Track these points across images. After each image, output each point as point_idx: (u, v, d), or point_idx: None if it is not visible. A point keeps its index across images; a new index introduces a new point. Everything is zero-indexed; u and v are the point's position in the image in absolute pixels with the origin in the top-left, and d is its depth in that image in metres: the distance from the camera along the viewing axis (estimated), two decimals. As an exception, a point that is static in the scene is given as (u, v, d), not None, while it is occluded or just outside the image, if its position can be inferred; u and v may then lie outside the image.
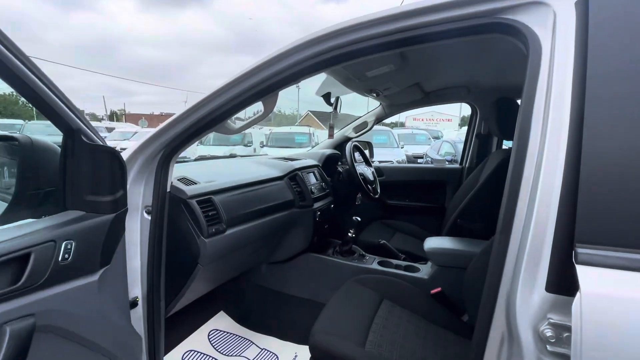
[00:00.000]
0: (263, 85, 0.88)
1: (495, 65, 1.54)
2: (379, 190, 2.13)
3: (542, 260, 0.56)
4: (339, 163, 2.35)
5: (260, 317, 1.68)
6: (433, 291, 1.40)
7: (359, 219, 1.67)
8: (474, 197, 1.61)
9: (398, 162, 7.60)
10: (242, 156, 2.07)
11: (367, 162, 2.25)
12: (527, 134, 0.62)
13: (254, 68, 0.88)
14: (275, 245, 1.56)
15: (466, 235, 1.57)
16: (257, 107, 1.01)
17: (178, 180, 1.14)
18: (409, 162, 8.16)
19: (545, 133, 0.60)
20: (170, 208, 1.05)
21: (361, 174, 2.00)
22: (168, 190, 1.05)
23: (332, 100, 1.62)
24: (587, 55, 0.58)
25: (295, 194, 1.54)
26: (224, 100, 0.91)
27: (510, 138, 1.74)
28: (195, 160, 1.77)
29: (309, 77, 0.90)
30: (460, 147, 7.70)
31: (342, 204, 2.24)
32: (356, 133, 2.34)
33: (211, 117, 0.94)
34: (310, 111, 31.65)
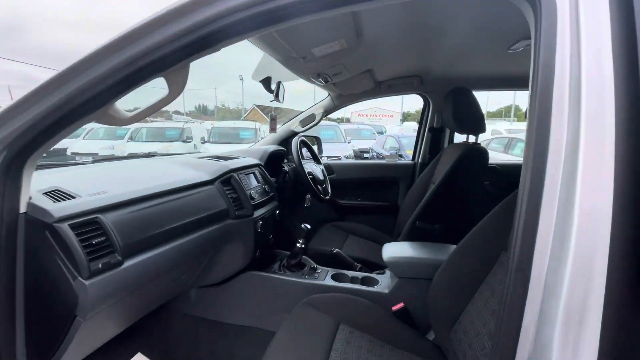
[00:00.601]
0: (161, 51, 0.59)
1: (450, 53, 1.41)
2: (330, 190, 1.91)
3: (590, 314, 0.37)
4: (285, 161, 2.09)
5: (191, 355, 1.36)
6: (395, 308, 1.23)
7: (308, 226, 1.43)
8: (432, 198, 1.47)
9: (346, 157, 7.57)
10: (162, 155, 1.68)
11: (316, 159, 2.02)
12: (546, 132, 0.43)
13: (148, 23, 0.58)
14: (207, 266, 1.25)
15: (426, 239, 1.43)
16: (158, 87, 0.70)
17: (44, 194, 0.78)
18: (355, 157, 8.20)
19: (576, 129, 0.41)
20: (28, 237, 0.70)
21: (310, 173, 1.76)
22: (22, 211, 0.70)
23: (273, 86, 1.35)
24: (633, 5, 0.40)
25: (229, 201, 1.24)
26: (101, 73, 0.60)
27: (467, 131, 1.66)
28: (95, 162, 1.35)
29: (231, 43, 0.62)
30: (404, 141, 7.97)
31: (288, 208, 1.98)
32: (303, 127, 2.09)
33: (82, 99, 0.61)
34: (257, 105, 30.61)
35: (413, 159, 2.22)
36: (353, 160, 2.29)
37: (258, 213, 1.38)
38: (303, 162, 1.73)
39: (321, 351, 0.94)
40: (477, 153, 1.45)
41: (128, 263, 0.80)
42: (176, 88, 0.68)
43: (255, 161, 1.60)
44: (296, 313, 1.09)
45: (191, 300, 1.43)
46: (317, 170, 1.86)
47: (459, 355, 0.87)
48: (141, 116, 0.71)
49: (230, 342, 1.36)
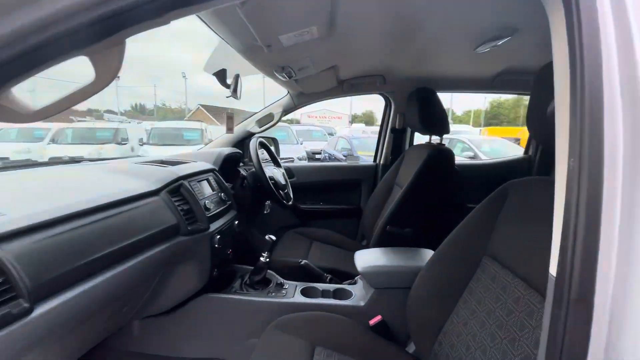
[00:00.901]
0: (83, 16, 0.42)
1: (416, 52, 1.37)
2: (292, 196, 1.78)
3: None
4: (241, 164, 1.90)
5: None
6: (372, 322, 1.14)
7: (273, 237, 1.28)
8: (401, 202, 1.42)
9: (299, 158, 7.46)
10: (92, 160, 1.40)
11: (276, 162, 1.87)
12: (599, 138, 0.36)
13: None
14: (153, 292, 1.04)
15: (396, 243, 1.37)
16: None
17: None
18: (308, 158, 8.15)
19: (634, 131, 0.34)
20: None
21: (271, 178, 1.61)
22: None
23: (229, 80, 1.18)
24: None
25: (180, 214, 1.04)
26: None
27: (432, 132, 1.65)
28: (3, 169, 1.05)
29: (184, 14, 0.47)
30: (355, 142, 8.10)
31: (247, 217, 1.81)
32: (260, 127, 1.92)
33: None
34: (202, 105, 29.00)
35: (375, 160, 2.19)
36: (314, 163, 2.19)
37: (215, 226, 1.19)
38: (263, 165, 1.57)
39: None
40: (444, 155, 1.43)
41: (40, 310, 0.59)
42: (106, 73, 0.50)
43: (208, 166, 1.41)
44: (265, 339, 0.94)
45: (134, 335, 1.19)
46: (278, 174, 1.71)
47: None
48: (54, 110, 0.51)
49: None
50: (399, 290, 1.15)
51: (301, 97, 1.85)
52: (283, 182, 1.72)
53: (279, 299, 1.20)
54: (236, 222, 1.40)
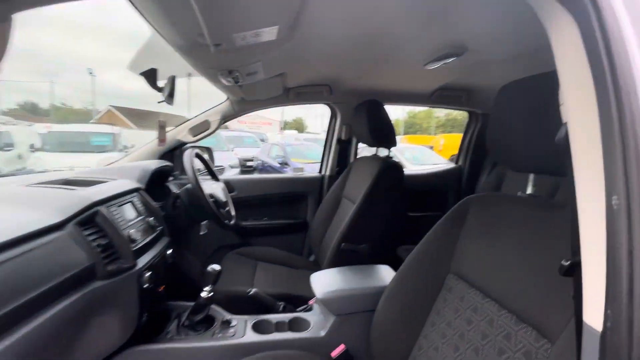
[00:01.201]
0: None
1: (365, 65, 1.34)
2: (233, 213, 1.59)
3: None
4: (171, 179, 1.65)
5: None
6: (335, 353, 1.04)
7: (217, 268, 1.10)
8: (355, 218, 1.37)
9: (230, 166, 7.09)
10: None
11: (214, 176, 1.66)
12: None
13: None
14: (61, 356, 0.78)
15: (352, 260, 1.31)
16: None
17: None
18: (240, 165, 7.80)
19: None
20: None
21: (210, 195, 1.41)
22: None
23: (162, 82, 0.96)
24: None
25: (96, 252, 0.80)
26: None
27: (380, 144, 1.64)
28: None
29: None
30: (289, 149, 8.06)
31: (181, 242, 1.57)
32: (194, 136, 1.69)
33: None
34: (114, 106, 25.61)
35: (320, 171, 2.12)
36: (255, 175, 2.03)
37: (143, 261, 0.96)
38: (200, 180, 1.36)
39: None
40: (395, 169, 1.43)
41: None
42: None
43: (132, 184, 1.15)
44: None
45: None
46: (217, 189, 1.51)
47: None
48: None
49: None
50: (362, 314, 1.08)
51: (243, 104, 1.69)
52: (224, 198, 1.52)
53: (227, 341, 1.02)
54: (169, 252, 1.17)
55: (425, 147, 11.06)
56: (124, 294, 0.88)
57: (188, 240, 1.70)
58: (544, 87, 0.70)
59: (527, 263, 0.68)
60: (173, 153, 1.80)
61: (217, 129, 1.69)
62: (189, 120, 1.72)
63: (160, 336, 1.03)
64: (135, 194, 1.14)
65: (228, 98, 1.65)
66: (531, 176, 0.85)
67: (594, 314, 0.35)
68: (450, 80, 1.62)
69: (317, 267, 1.72)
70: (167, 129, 1.57)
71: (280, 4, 0.60)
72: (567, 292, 0.59)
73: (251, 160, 9.49)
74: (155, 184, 1.37)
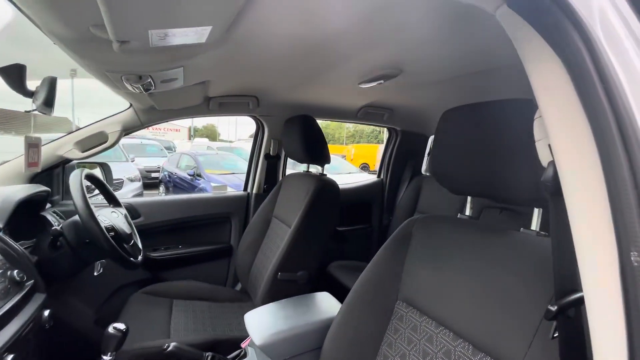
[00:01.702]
0: None
1: (297, 77, 1.26)
2: (141, 246, 1.30)
3: None
4: (48, 206, 1.27)
5: None
6: (281, 406, 0.91)
7: (122, 327, 0.84)
8: (291, 244, 1.26)
9: (130, 179, 6.17)
10: None
11: (113, 200, 1.33)
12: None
13: None
14: None
15: (290, 290, 1.20)
16: None
17: None
18: (143, 177, 6.88)
19: None
20: None
21: (110, 228, 1.11)
22: None
23: (34, 84, 0.68)
24: None
25: None
26: None
27: (313, 161, 1.55)
28: None
29: None
30: (201, 159, 7.48)
31: (66, 288, 1.21)
32: (84, 152, 1.34)
33: None
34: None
35: (245, 189, 1.93)
36: (167, 197, 1.73)
37: (1, 340, 0.66)
38: (94, 210, 1.06)
39: None
40: (331, 187, 1.37)
41: None
42: None
43: None
44: None
45: None
46: (118, 220, 1.21)
47: None
48: None
49: None
50: (307, 354, 0.97)
51: (151, 114, 1.41)
52: (127, 230, 1.22)
53: None
54: (46, 313, 0.86)
55: (339, 156, 11.65)
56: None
57: (75, 285, 1.32)
58: (484, 115, 0.73)
59: (476, 288, 0.67)
60: (52, 172, 1.40)
61: (116, 143, 1.38)
62: (77, 130, 1.35)
63: None
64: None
65: (132, 105, 1.35)
66: (469, 198, 0.88)
67: None
68: (377, 99, 1.66)
69: (245, 297, 1.54)
70: (44, 142, 1.19)
71: (222, 0, 0.46)
72: (519, 321, 0.60)
73: (156, 171, 8.45)
74: (23, 217, 1.02)
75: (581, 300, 0.44)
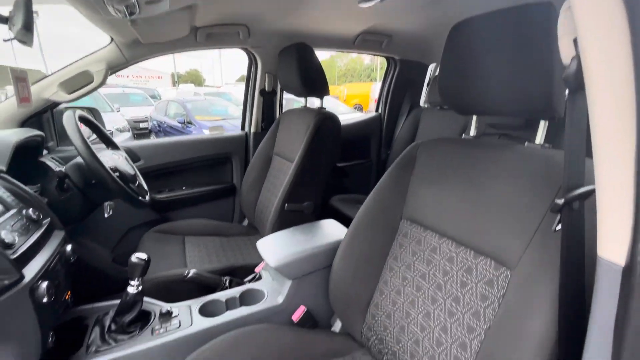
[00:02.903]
0: None
1: (284, 1, 1.15)
2: (146, 187, 1.32)
3: None
4: (45, 153, 1.25)
5: None
6: (296, 317, 1.01)
7: (144, 256, 0.89)
8: (296, 177, 1.28)
9: (119, 130, 6.01)
10: None
11: (110, 143, 1.31)
12: None
13: None
14: None
15: (297, 220, 1.25)
16: None
17: None
18: (131, 128, 6.69)
19: None
20: None
21: (114, 168, 1.11)
22: None
23: (12, 12, 0.61)
24: None
25: None
26: None
27: (312, 94, 1.50)
28: None
29: None
30: (190, 106, 7.19)
31: (80, 231, 1.25)
32: (70, 93, 1.27)
33: None
34: None
35: (242, 128, 1.90)
36: (166, 139, 1.69)
37: (33, 270, 0.70)
38: (95, 151, 1.04)
39: None
40: (332, 121, 1.35)
41: None
42: None
43: None
44: None
45: None
46: (120, 161, 1.20)
47: (389, 340, 0.79)
48: None
49: None
50: (318, 272, 1.05)
51: (135, 49, 1.31)
52: (132, 171, 1.23)
53: (172, 335, 0.87)
54: (68, 248, 0.90)
55: (332, 97, 11.28)
56: (13, 319, 0.64)
57: (88, 228, 1.37)
58: (495, 24, 0.69)
59: (479, 200, 0.71)
60: (41, 118, 1.35)
61: (103, 82, 1.30)
62: (59, 70, 1.27)
63: (79, 352, 0.82)
64: (-7, 179, 0.80)
65: (113, 40, 1.25)
66: (474, 118, 0.88)
67: (613, 248, 0.36)
68: (375, 23, 1.56)
69: (253, 231, 1.62)
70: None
71: None
72: (520, 223, 0.64)
73: (145, 121, 8.18)
74: (22, 163, 1.00)
75: (586, 194, 0.46)
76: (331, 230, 1.15)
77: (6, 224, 0.72)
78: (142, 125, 8.03)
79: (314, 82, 1.36)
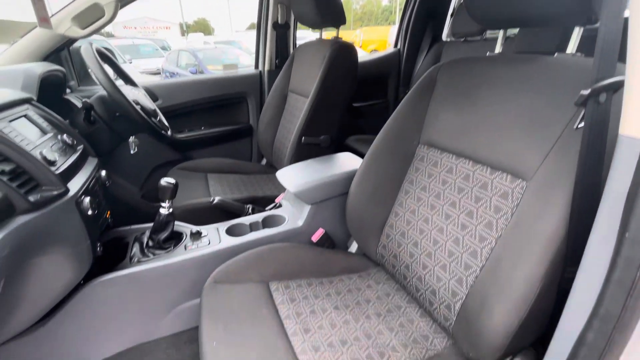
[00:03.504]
0: None
1: None
2: (167, 123, 1.35)
3: None
4: (68, 91, 1.29)
5: None
6: (315, 238, 1.08)
7: (172, 181, 0.95)
8: (312, 110, 1.28)
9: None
10: None
11: (129, 80, 1.33)
12: None
13: None
14: (1, 311, 0.64)
15: (314, 153, 1.27)
16: None
17: None
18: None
19: None
20: None
21: (135, 102, 1.14)
22: None
23: None
24: None
25: (3, 180, 0.59)
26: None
27: (328, 24, 1.43)
28: None
29: None
30: (201, 55, 7.00)
31: (109, 167, 1.32)
32: (84, 28, 1.26)
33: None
34: None
35: (256, 66, 1.86)
36: (181, 79, 1.69)
37: (76, 185, 0.77)
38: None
39: (273, 325, 0.71)
40: (347, 49, 1.30)
41: None
42: None
43: (17, 94, 0.84)
44: (209, 297, 0.76)
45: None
46: (140, 96, 1.23)
47: (402, 255, 0.84)
48: None
49: None
50: (336, 198, 1.10)
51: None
52: (152, 106, 1.26)
53: (203, 251, 0.96)
54: (103, 173, 0.96)
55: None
56: (64, 227, 0.71)
57: (117, 165, 1.44)
58: None
59: (500, 116, 0.70)
60: (59, 56, 1.36)
61: (114, 16, 1.27)
62: (68, 5, 1.25)
63: (123, 263, 0.92)
64: (26, 106, 0.84)
65: (119, -33, 1.20)
66: (500, 35, 0.83)
67: (637, 124, 0.36)
68: None
69: (272, 169, 1.66)
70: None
71: None
72: (541, 134, 0.63)
73: (157, 73, 8.09)
74: (48, 97, 1.04)
75: (615, 85, 0.45)
76: (348, 161, 1.17)
77: (45, 145, 0.77)
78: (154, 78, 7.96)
79: (330, 10, 1.28)
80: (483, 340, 0.59)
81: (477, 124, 0.74)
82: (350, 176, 1.01)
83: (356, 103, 2.09)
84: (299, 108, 1.44)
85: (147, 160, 1.60)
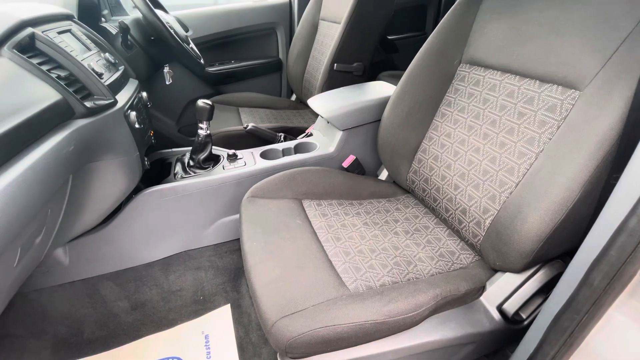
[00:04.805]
0: None
1: None
2: (198, 53, 1.35)
3: None
4: (103, 20, 1.30)
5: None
6: (346, 163, 1.10)
7: (209, 102, 0.98)
8: (344, 37, 1.21)
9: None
10: None
11: (159, 5, 1.31)
12: None
13: None
14: (70, 210, 0.73)
15: (346, 80, 1.24)
16: None
17: None
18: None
19: None
20: None
21: (169, 26, 1.14)
22: None
23: None
24: None
25: (58, 85, 0.64)
26: None
27: None
28: None
29: None
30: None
31: (151, 89, 1.36)
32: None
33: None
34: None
35: (285, -5, 1.76)
36: (210, 8, 1.64)
37: (123, 99, 0.81)
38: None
39: (306, 232, 0.76)
40: None
41: None
42: None
43: (58, 8, 0.86)
44: (247, 210, 0.82)
45: (64, 265, 0.90)
46: (173, 22, 1.22)
47: (434, 179, 0.83)
48: None
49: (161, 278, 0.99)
50: (368, 125, 1.09)
51: None
52: (184, 32, 1.25)
53: (239, 170, 1.01)
54: (144, 94, 1.00)
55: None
56: (116, 135, 0.77)
57: (153, 96, 1.49)
58: None
59: (557, 22, 0.63)
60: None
61: None
62: None
63: (168, 178, 1.00)
64: (69, 22, 0.87)
65: None
66: None
67: None
68: None
69: (302, 105, 1.65)
70: None
71: None
72: (602, 39, 0.57)
73: None
74: (85, 20, 1.06)
75: None
76: (382, 87, 1.14)
77: (92, 58, 0.80)
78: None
79: None
80: (512, 247, 0.60)
81: (531, 33, 0.68)
82: (383, 103, 0.99)
83: (390, 36, 1.96)
84: (330, 36, 1.38)
85: (181, 93, 1.64)
